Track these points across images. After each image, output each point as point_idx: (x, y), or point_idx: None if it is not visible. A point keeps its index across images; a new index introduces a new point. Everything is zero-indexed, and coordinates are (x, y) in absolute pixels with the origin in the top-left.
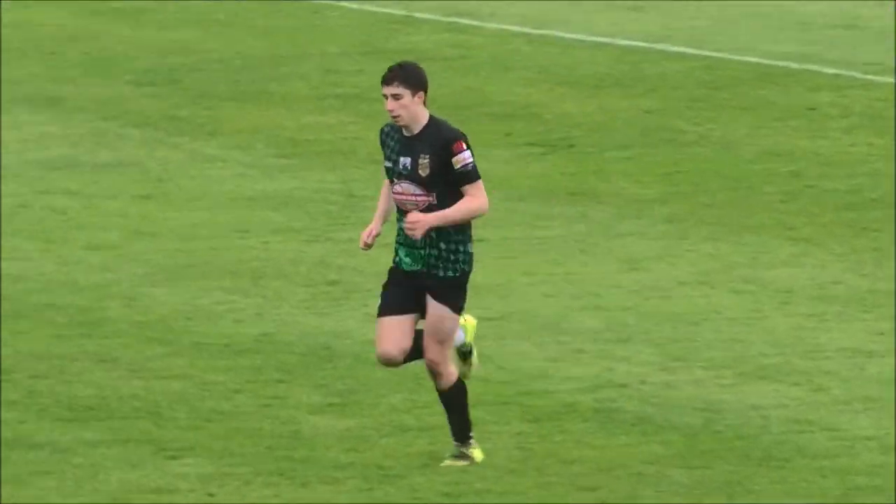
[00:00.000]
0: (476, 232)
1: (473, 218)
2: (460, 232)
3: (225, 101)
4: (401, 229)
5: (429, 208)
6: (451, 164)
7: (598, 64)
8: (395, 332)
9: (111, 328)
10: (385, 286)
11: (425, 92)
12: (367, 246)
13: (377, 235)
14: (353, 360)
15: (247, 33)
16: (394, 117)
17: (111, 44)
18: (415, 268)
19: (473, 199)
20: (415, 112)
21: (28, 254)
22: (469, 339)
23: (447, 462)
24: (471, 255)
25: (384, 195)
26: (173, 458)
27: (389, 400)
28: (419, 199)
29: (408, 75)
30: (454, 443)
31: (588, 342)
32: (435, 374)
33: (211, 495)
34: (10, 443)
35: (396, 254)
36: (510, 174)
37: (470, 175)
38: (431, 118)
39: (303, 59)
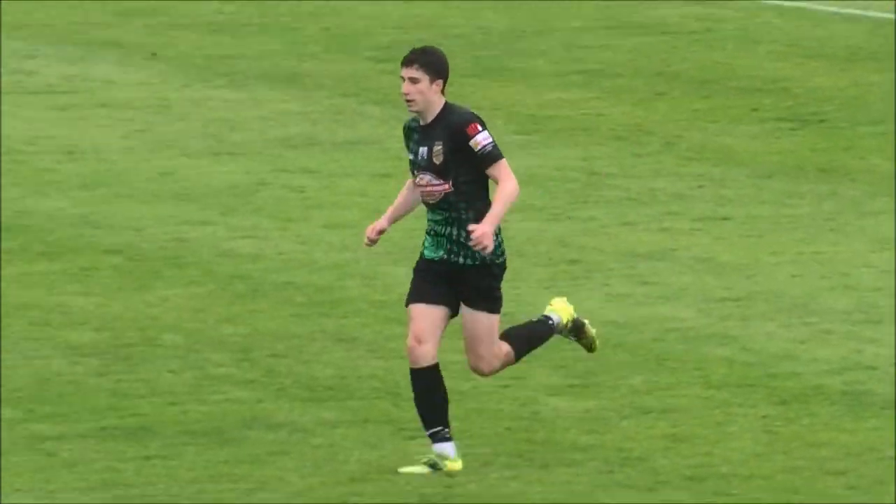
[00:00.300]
0: (720, 210)
1: (514, 200)
2: (478, 219)
3: (465, 78)
4: (428, 220)
5: (445, 198)
6: (468, 149)
7: (851, 37)
8: (427, 317)
9: (350, 307)
10: (413, 280)
11: (444, 81)
12: (371, 242)
13: (381, 232)
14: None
15: (488, 8)
16: (407, 101)
17: (351, 20)
18: (435, 256)
19: (506, 183)
20: (430, 99)
21: (267, 233)
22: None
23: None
24: (499, 244)
25: (402, 193)
26: (412, 438)
27: (630, 381)
28: (436, 188)
29: (429, 60)
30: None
31: (837, 323)
32: (491, 374)
33: (450, 476)
34: (249, 422)
35: (424, 242)
36: (757, 150)
37: (493, 155)
38: (446, 105)
39: (545, 35)
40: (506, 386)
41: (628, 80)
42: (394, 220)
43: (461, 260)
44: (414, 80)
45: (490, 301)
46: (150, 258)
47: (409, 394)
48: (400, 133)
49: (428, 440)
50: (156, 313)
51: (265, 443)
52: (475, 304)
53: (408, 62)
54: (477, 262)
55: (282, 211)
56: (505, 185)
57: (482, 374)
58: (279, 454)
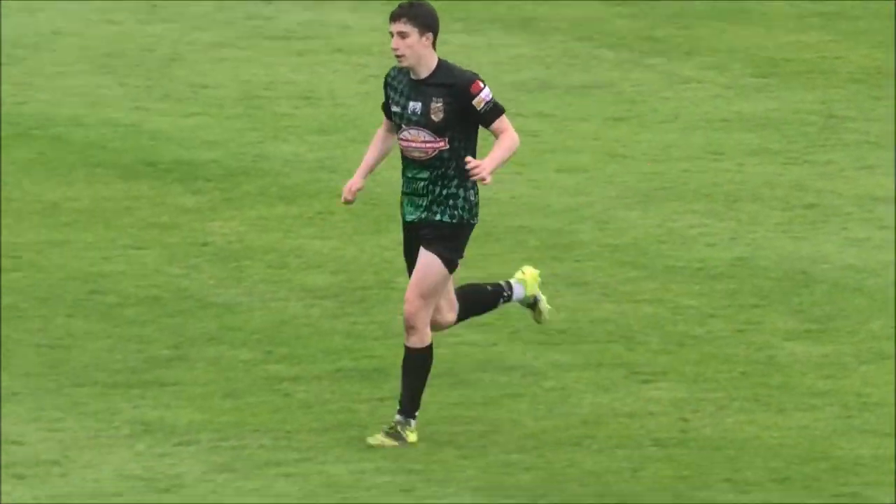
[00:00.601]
0: None
1: (516, 151)
2: (461, 177)
3: (702, 21)
4: (407, 179)
5: (439, 155)
6: (471, 108)
7: None
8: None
9: (583, 251)
10: (405, 245)
11: (435, 34)
12: (348, 202)
13: (358, 190)
14: (831, 286)
15: None
16: (397, 57)
17: None
18: (414, 218)
19: (508, 134)
20: (420, 54)
21: (500, 176)
22: (530, 291)
23: (377, 438)
24: (471, 202)
25: (373, 146)
26: (646, 382)
27: (869, 326)
28: (428, 145)
29: (417, 14)
30: (396, 416)
31: None
32: (408, 327)
33: (684, 420)
34: (483, 365)
35: (402, 206)
36: None
37: (495, 111)
38: (441, 62)
39: None
40: (741, 331)
41: (867, 23)
42: (367, 174)
43: (437, 217)
44: (403, 35)
45: (448, 250)
46: (385, 202)
47: (642, 337)
48: None
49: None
50: (390, 256)
51: (498, 385)
52: (431, 246)
53: (395, 17)
54: (454, 221)
55: (516, 155)
56: (506, 136)
57: (411, 320)
58: (512, 397)
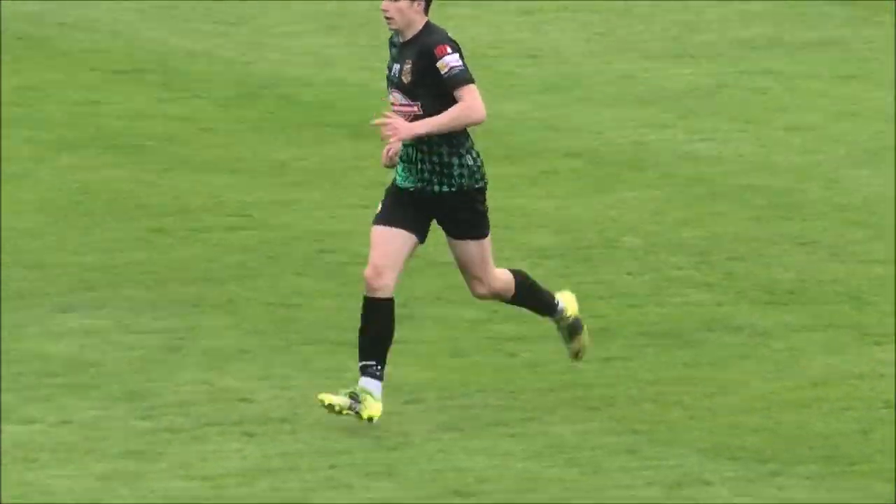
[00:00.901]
0: None
1: (467, 125)
2: (450, 143)
3: None
4: (402, 146)
5: (414, 119)
6: (436, 70)
7: None
8: (384, 245)
9: (811, 210)
10: (383, 201)
11: (427, 1)
12: (391, 164)
13: (397, 153)
14: None
15: None
16: (386, 18)
17: None
18: (408, 185)
19: (464, 104)
20: (410, 18)
21: (727, 135)
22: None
23: (575, 348)
24: (471, 167)
25: None
26: (877, 343)
27: None
28: (405, 108)
29: None
30: (549, 317)
31: None
32: (498, 295)
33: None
34: (709, 324)
35: (396, 171)
36: None
37: (458, 78)
38: (427, 25)
39: None
40: None
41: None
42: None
43: (436, 188)
44: None
45: (475, 228)
46: (610, 161)
47: (872, 298)
48: None
49: (358, 372)
50: (614, 216)
51: (725, 346)
52: (460, 235)
53: None
54: (454, 189)
55: (742, 113)
56: (462, 104)
57: (481, 297)
58: (740, 357)
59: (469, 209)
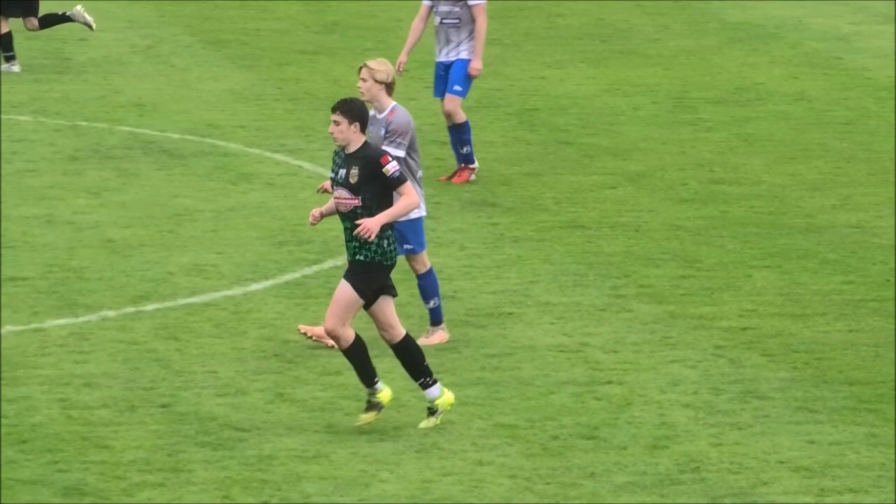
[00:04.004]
0: None
1: (408, 213)
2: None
3: None
4: (345, 230)
5: (354, 210)
6: (381, 175)
7: None
8: (378, 316)
9: None
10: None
11: (361, 123)
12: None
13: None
14: None
15: None
16: (332, 136)
17: None
18: (349, 258)
19: (406, 197)
20: (348, 136)
21: None
22: (439, 402)
23: (363, 417)
24: (384, 248)
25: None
26: None
27: None
28: (349, 201)
29: (347, 109)
30: (366, 389)
31: None
32: (334, 338)
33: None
34: None
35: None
36: None
37: (398, 180)
38: (365, 143)
39: None
40: None
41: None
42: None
43: (357, 255)
44: (336, 123)
45: (355, 280)
46: None
47: None
48: None
49: (419, 388)
50: None
51: None
52: (346, 276)
53: (333, 109)
54: (367, 259)
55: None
56: (406, 198)
57: (332, 334)
58: None
59: (364, 270)
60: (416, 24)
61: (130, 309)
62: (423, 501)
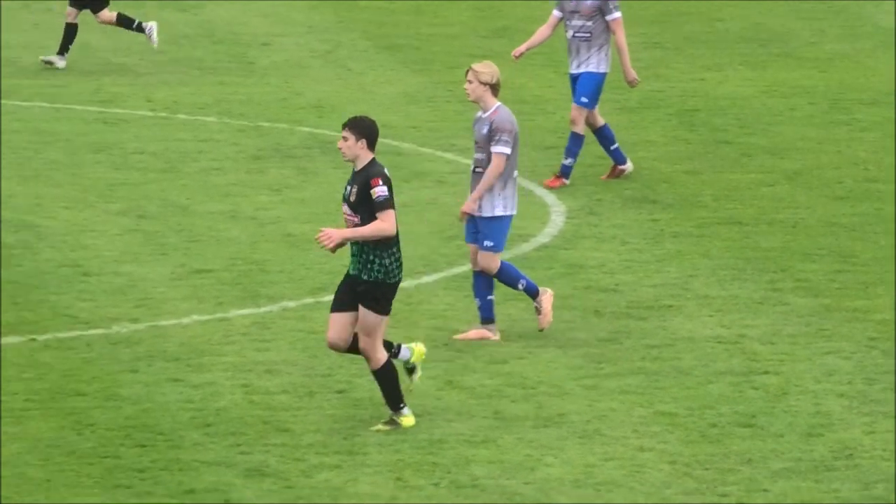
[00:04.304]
0: None
1: (378, 237)
2: (376, 247)
3: None
4: (350, 245)
5: (355, 226)
6: (370, 195)
7: None
8: (336, 324)
9: None
10: (338, 287)
11: (368, 140)
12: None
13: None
14: None
15: None
16: (340, 150)
17: None
18: (351, 271)
19: (381, 223)
20: (355, 152)
21: None
22: (414, 359)
23: (379, 426)
24: (387, 267)
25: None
26: None
27: None
28: (350, 218)
29: (356, 125)
30: (389, 410)
31: None
32: (366, 358)
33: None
34: None
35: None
36: None
37: (382, 204)
38: (372, 160)
39: None
40: None
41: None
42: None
43: (363, 276)
44: (345, 138)
45: (373, 303)
46: None
47: None
48: None
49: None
50: None
51: None
52: (363, 302)
53: (343, 126)
54: (371, 280)
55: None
56: (379, 222)
57: (365, 354)
58: None
59: (376, 293)
60: (543, 29)
61: (309, 300)
62: (586, 485)
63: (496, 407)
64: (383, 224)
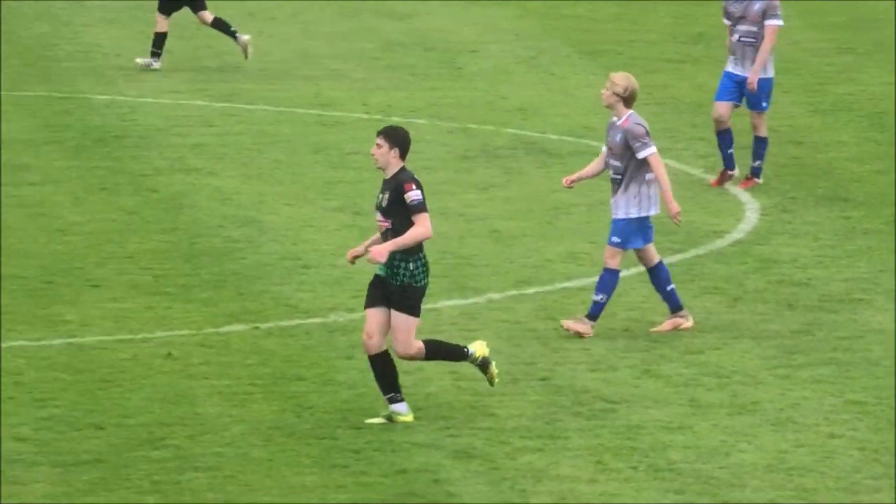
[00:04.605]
0: None
1: (418, 242)
2: (403, 252)
3: None
4: None
5: (386, 231)
6: (404, 200)
7: None
8: (372, 319)
9: None
10: (368, 288)
11: (401, 149)
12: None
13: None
14: None
15: None
16: (373, 156)
17: None
18: (381, 272)
19: (418, 227)
20: (387, 160)
21: None
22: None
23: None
24: (412, 272)
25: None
26: None
27: None
28: (382, 224)
29: (389, 133)
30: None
31: None
32: (408, 358)
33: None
34: None
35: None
36: None
37: (417, 207)
38: (402, 168)
39: None
40: None
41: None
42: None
43: (392, 280)
44: (378, 146)
45: (402, 306)
46: None
47: None
48: None
49: (385, 401)
50: None
51: None
52: (394, 305)
53: (378, 134)
54: (397, 283)
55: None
56: (416, 228)
57: (405, 356)
58: None
59: (404, 296)
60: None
61: (513, 292)
62: (778, 470)
63: (692, 395)
64: (420, 229)
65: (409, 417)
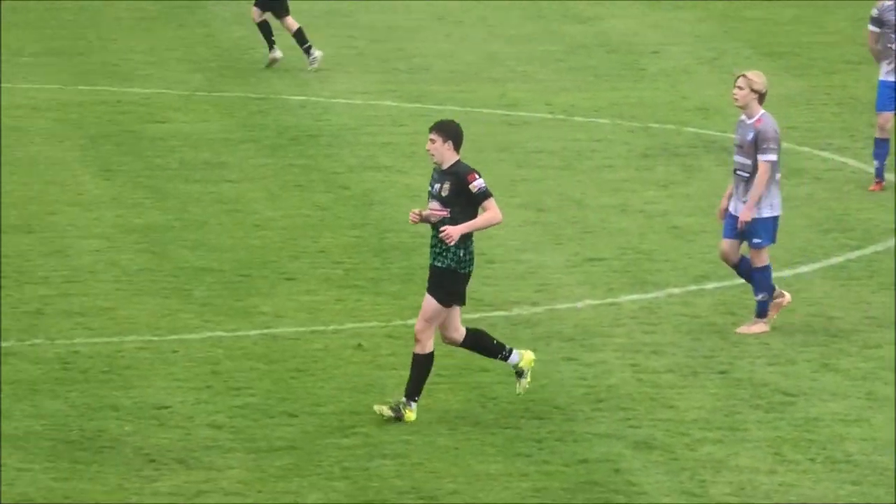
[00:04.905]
0: None
1: (490, 226)
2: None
3: None
4: (432, 236)
5: (443, 220)
6: (468, 190)
7: None
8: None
9: None
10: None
11: (454, 142)
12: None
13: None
14: None
15: None
16: (428, 152)
17: None
18: (433, 262)
19: (489, 212)
20: (442, 154)
21: None
22: (523, 364)
23: (382, 409)
24: (461, 257)
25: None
26: None
27: None
28: (439, 212)
29: (442, 128)
30: (403, 398)
31: None
32: (416, 339)
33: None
34: None
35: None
36: None
37: (483, 194)
38: (458, 161)
39: None
40: None
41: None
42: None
43: (435, 261)
44: (433, 140)
45: (436, 292)
46: None
47: None
48: None
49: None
50: None
51: None
52: (428, 289)
53: (431, 129)
54: (443, 267)
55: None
56: (488, 213)
57: (417, 335)
58: None
59: (442, 281)
60: (871, 46)
61: (693, 287)
62: None
63: (869, 388)
64: (492, 213)
65: (530, 356)
